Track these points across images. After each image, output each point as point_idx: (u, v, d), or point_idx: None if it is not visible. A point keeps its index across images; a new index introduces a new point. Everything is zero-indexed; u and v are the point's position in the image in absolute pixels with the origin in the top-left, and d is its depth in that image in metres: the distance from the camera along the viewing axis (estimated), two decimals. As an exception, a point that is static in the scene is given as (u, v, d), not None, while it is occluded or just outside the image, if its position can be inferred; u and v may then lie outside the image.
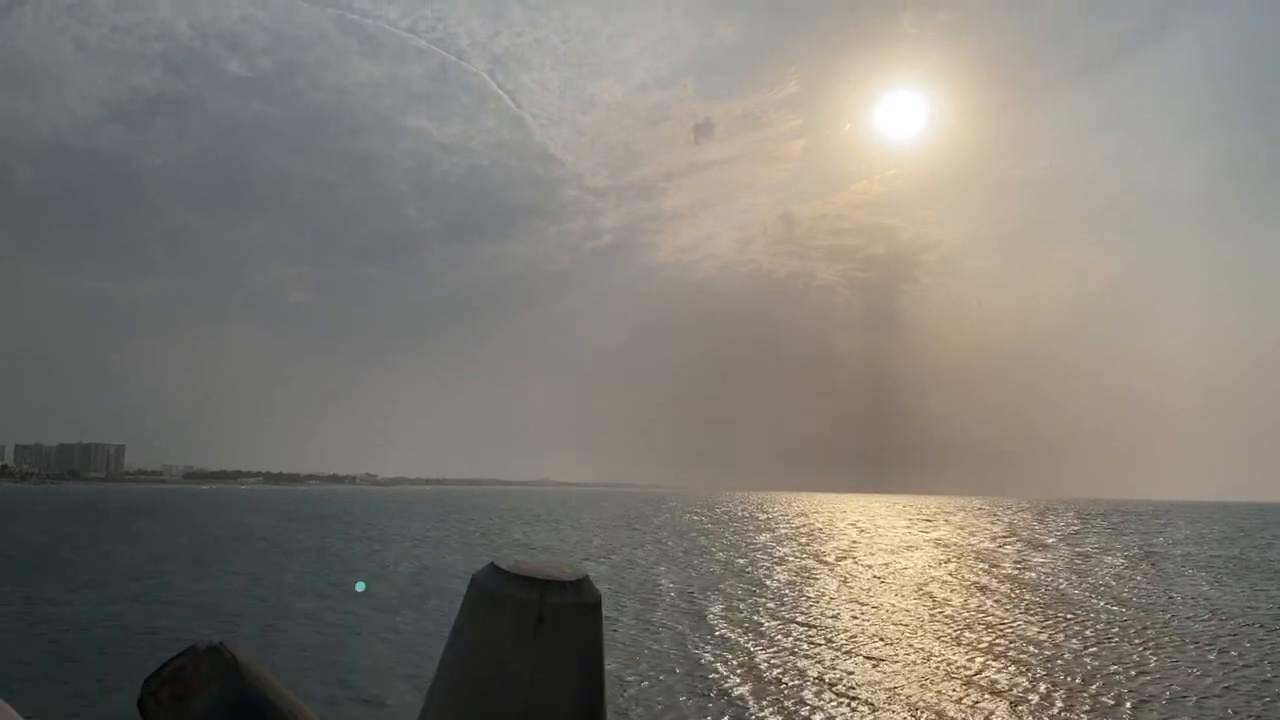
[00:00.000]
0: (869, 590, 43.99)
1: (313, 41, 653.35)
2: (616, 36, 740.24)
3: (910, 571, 54.00)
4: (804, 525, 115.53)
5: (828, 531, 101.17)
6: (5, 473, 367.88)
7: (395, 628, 31.37)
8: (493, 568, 1.80)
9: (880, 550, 72.27)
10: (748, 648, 28.18)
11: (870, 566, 57.28)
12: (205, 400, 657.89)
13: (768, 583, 46.49)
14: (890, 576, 50.91)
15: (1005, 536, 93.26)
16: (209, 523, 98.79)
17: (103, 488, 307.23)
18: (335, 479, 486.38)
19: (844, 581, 47.88)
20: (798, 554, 66.53)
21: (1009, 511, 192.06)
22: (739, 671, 24.69)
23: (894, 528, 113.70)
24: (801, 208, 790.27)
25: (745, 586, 44.76)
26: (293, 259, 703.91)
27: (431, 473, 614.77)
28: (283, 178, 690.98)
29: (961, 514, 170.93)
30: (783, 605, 37.77)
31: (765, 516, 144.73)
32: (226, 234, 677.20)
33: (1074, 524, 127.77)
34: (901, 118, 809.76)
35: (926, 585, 46.25)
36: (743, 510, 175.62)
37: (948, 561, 61.28)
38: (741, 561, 59.29)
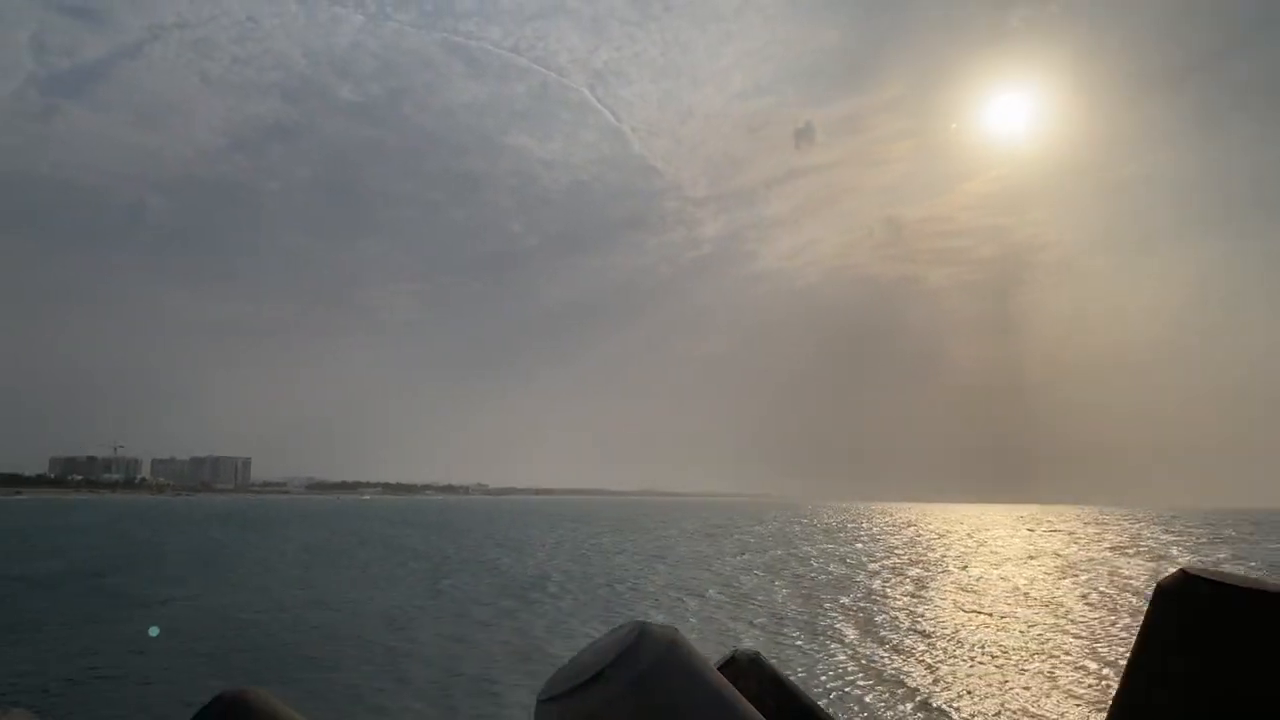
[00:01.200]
0: (998, 601, 43.71)
1: (420, 66, 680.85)
2: (714, 46, 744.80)
3: (1042, 583, 53.10)
4: (919, 535, 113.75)
5: (944, 541, 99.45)
6: (144, 485, 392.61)
7: (589, 633, 33.20)
8: (1188, 576, 1.69)
9: (1005, 561, 70.94)
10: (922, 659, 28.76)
11: (1001, 578, 56.54)
12: (325, 414, 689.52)
13: (890, 594, 46.70)
14: (1021, 588, 50.24)
15: (1131, 547, 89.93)
16: (342, 529, 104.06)
17: (233, 498, 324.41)
18: (450, 489, 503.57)
19: (969, 592, 47.58)
20: (915, 565, 66.03)
21: (1134, 521, 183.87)
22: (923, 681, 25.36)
23: (1013, 537, 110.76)
24: (908, 210, 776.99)
25: (873, 599, 45.10)
26: (404, 277, 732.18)
27: (540, 483, 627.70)
28: (393, 199, 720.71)
29: (1084, 524, 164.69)
30: (917, 620, 38.02)
31: (876, 527, 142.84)
32: (340, 255, 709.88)
33: (1202, 535, 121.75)
34: (1011, 116, 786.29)
35: (1063, 597, 45.59)
36: (852, 520, 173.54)
37: (1080, 573, 59.86)
38: (870, 574, 59.37)
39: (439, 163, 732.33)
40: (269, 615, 35.30)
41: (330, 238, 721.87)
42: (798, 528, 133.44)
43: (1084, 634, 32.95)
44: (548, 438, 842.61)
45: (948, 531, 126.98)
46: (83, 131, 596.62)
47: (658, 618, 36.65)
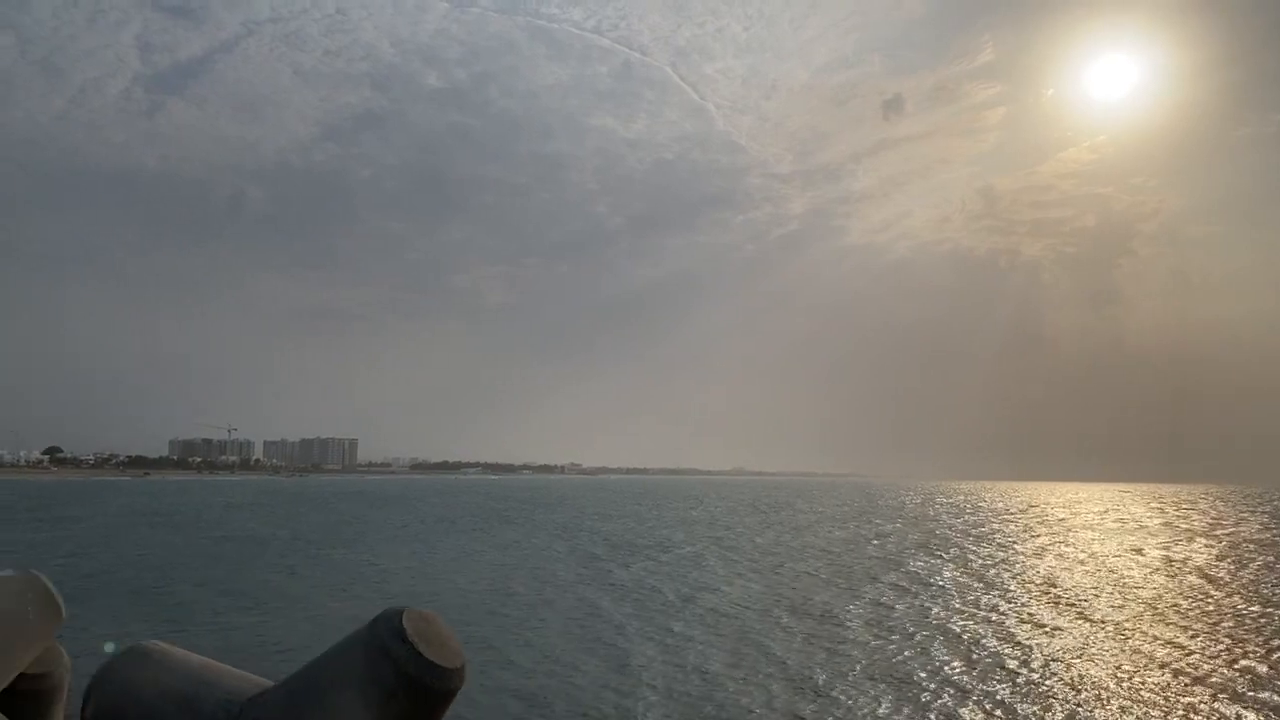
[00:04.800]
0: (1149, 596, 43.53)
1: (504, 50, 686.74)
2: (798, 18, 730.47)
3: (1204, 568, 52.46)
4: (1058, 519, 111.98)
5: (1078, 524, 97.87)
6: (259, 465, 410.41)
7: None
8: None
9: (1154, 547, 69.87)
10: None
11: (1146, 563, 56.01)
12: (422, 396, 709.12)
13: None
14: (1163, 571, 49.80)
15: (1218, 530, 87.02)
16: (466, 505, 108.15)
17: (343, 478, 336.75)
18: (546, 469, 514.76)
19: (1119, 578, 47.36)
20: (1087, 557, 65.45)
21: (1232, 502, 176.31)
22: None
23: (1150, 519, 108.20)
24: (1002, 181, 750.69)
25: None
26: (491, 260, 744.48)
27: (631, 462, 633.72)
28: (479, 183, 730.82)
29: (1217, 503, 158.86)
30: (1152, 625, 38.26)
31: (1011, 510, 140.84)
32: (429, 239, 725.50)
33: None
34: (1111, 79, 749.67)
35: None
36: (981, 502, 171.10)
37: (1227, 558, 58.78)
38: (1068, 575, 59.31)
39: (524, 146, 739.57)
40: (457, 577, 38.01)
41: (420, 223, 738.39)
42: (932, 511, 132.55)
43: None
44: (637, 417, 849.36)
45: (1079, 514, 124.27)
46: (185, 126, 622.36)
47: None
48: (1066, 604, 34.28)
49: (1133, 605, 34.04)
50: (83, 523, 73.88)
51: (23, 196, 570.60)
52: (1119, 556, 55.71)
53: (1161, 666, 23.44)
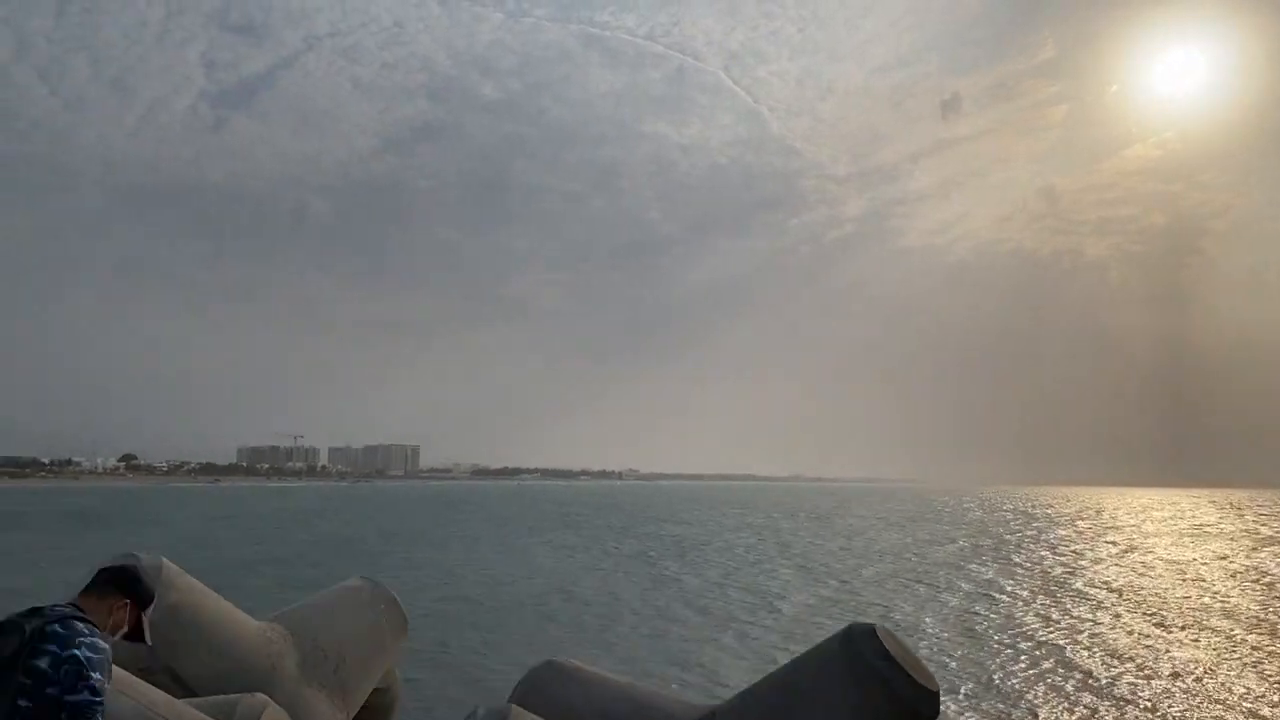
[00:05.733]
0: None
1: (557, 59, 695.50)
2: (853, 19, 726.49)
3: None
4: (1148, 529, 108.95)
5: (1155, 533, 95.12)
6: (324, 472, 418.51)
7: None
8: None
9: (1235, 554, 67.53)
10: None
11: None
12: (481, 402, 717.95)
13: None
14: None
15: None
16: (534, 512, 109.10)
17: (407, 484, 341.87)
18: (604, 474, 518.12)
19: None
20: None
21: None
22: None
23: (1226, 525, 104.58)
24: (1065, 179, 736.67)
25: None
26: (548, 267, 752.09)
27: (688, 468, 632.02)
28: (535, 191, 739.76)
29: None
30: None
31: (1081, 515, 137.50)
32: (488, 248, 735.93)
33: None
34: (1177, 74, 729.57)
35: None
36: (1048, 508, 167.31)
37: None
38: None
39: (578, 154, 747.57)
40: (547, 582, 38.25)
41: (478, 232, 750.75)
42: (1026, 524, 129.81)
43: None
44: (694, 423, 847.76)
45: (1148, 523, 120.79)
46: (249, 140, 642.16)
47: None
48: (1171, 613, 33.17)
49: (1242, 618, 32.73)
50: (173, 526, 76.47)
51: (98, 211, 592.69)
52: (1206, 564, 53.89)
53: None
